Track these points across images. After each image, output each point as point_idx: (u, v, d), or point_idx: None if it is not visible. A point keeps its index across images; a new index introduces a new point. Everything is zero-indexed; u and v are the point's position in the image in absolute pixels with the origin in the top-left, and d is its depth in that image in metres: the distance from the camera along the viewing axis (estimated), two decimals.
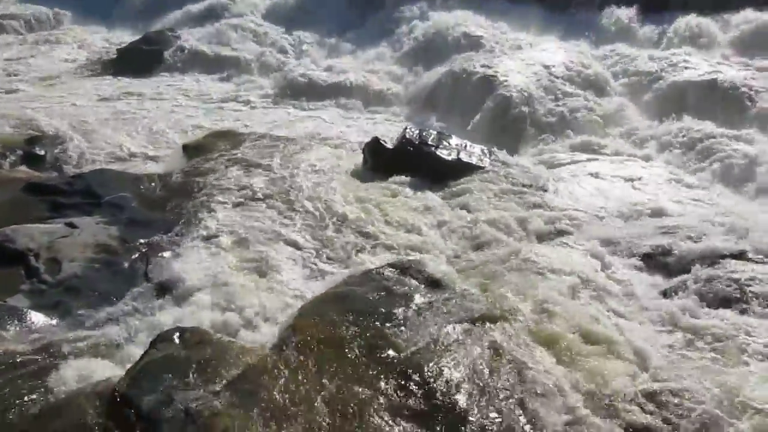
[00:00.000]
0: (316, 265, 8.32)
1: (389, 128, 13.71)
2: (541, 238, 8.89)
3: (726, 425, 5.50)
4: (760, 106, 13.29)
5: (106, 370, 5.95)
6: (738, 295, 7.33)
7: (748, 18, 17.06)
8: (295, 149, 11.47)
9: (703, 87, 14.18)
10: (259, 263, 8.16)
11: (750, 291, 7.35)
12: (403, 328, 6.44)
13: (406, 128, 11.56)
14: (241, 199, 9.60)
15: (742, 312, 7.09)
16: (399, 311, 6.66)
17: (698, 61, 15.50)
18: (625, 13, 19.05)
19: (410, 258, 8.03)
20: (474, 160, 10.76)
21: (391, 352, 6.09)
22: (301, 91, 16.43)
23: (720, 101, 13.63)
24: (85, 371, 5.92)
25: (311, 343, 6.09)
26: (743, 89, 13.79)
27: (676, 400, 5.76)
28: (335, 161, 11.19)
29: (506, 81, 14.49)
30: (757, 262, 7.90)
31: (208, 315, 7.01)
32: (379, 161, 10.86)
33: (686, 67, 15.07)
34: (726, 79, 14.16)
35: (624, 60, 16.15)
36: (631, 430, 5.50)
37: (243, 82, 17.65)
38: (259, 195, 9.71)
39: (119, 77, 17.87)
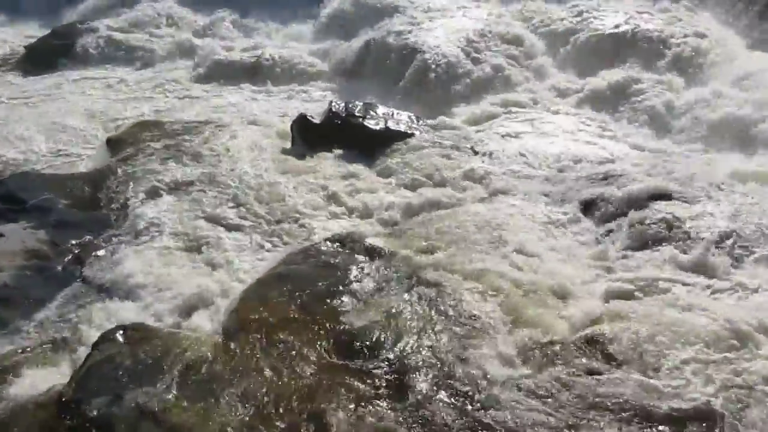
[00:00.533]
0: (255, 246, 8.27)
1: (315, 104, 13.59)
2: (476, 197, 9.01)
3: (669, 365, 5.71)
4: (673, 51, 13.71)
5: (50, 379, 5.83)
6: (668, 235, 7.65)
7: None
8: (222, 133, 11.28)
9: (617, 36, 14.48)
10: (197, 251, 8.07)
11: (678, 230, 7.68)
12: (348, 300, 6.59)
13: (331, 102, 11.53)
14: (172, 189, 9.41)
15: (670, 249, 7.39)
16: (342, 284, 6.82)
17: (610, 10, 15.78)
18: None
19: (348, 230, 8.09)
20: (402, 128, 10.83)
21: (338, 326, 6.19)
22: (222, 74, 16.07)
23: (635, 49, 13.97)
24: (28, 382, 5.79)
25: (257, 327, 6.11)
26: (656, 35, 14.19)
27: (615, 344, 5.97)
28: (263, 141, 11.06)
29: (428, 45, 14.50)
30: (683, 201, 8.25)
31: (150, 309, 6.91)
32: (308, 137, 10.81)
33: (600, 18, 15.33)
34: (639, 27, 14.50)
35: (540, 15, 16.30)
36: (574, 374, 5.67)
37: (161, 69, 17.15)
38: (190, 182, 9.52)
39: (29, 75, 17.16)
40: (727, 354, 5.78)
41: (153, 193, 9.27)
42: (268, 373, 5.59)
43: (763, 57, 12.80)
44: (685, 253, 7.28)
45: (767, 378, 5.53)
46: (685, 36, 14.13)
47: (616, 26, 14.79)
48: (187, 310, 6.91)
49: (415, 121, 11.14)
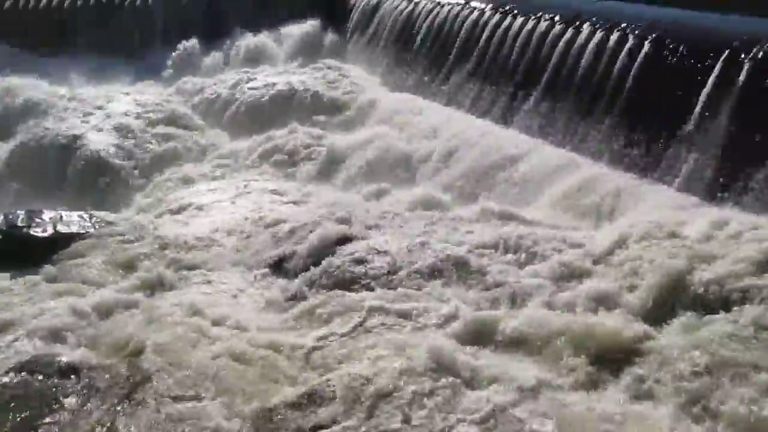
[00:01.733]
0: None
1: None
2: (168, 284, 8.64)
3: (378, 401, 5.94)
4: (329, 102, 14.81)
5: None
6: (354, 274, 8.08)
7: (293, 31, 18.73)
8: None
9: (276, 98, 15.27)
10: None
11: (361, 268, 8.15)
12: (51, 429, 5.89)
13: None
14: None
15: (362, 288, 7.82)
16: (41, 415, 6.14)
17: (264, 74, 16.57)
18: (189, 46, 19.51)
19: (33, 354, 7.26)
20: (74, 229, 10.08)
21: None
22: None
23: (294, 107, 14.84)
24: None
25: None
26: (311, 91, 15.20)
27: (330, 389, 6.10)
28: None
29: (88, 138, 13.86)
30: (361, 239, 8.80)
31: None
32: None
33: (255, 85, 16.00)
34: (294, 87, 15.43)
35: (198, 90, 16.56)
36: None
37: None
38: None
39: None
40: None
41: None
42: None
43: (402, 97, 14.39)
44: (373, 290, 7.73)
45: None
46: (338, 88, 15.33)
47: (273, 89, 15.53)
48: None
49: (88, 220, 10.44)
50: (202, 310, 7.71)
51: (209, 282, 8.52)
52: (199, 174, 12.77)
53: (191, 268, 8.91)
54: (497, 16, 13.85)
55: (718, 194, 9.21)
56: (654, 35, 10.92)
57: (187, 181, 12.55)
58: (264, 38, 19.01)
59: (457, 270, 7.98)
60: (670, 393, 5.89)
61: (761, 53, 9.45)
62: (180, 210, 11.10)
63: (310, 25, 18.83)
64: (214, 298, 8.07)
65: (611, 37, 11.46)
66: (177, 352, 6.86)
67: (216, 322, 7.44)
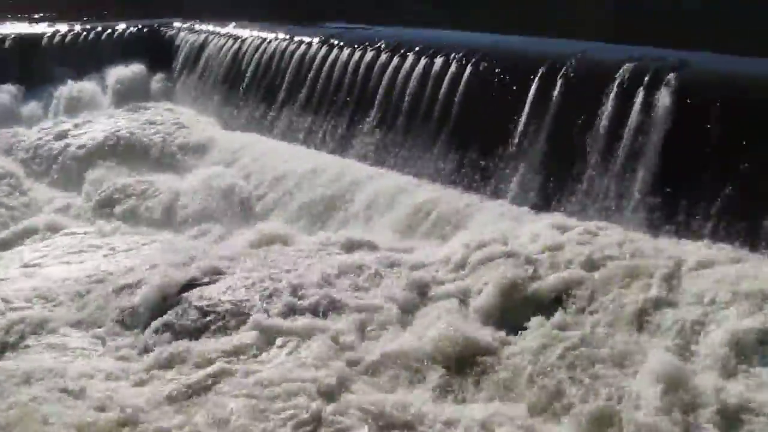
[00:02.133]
0: None
1: None
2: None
3: None
4: (158, 147, 14.43)
5: None
6: (202, 321, 7.83)
7: (117, 74, 18.03)
8: None
9: (103, 144, 14.64)
10: None
11: (209, 313, 7.92)
12: None
13: None
14: None
15: (212, 334, 7.61)
16: None
17: (90, 122, 15.84)
18: (3, 94, 18.25)
19: None
20: None
21: None
22: None
23: (122, 153, 14.34)
24: None
25: None
26: (139, 137, 14.73)
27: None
28: None
29: None
30: (206, 283, 8.54)
31: None
32: None
33: (81, 131, 15.28)
34: (121, 132, 14.87)
35: (17, 143, 15.52)
36: None
37: None
38: None
39: None
40: None
41: None
42: None
43: (235, 136, 14.36)
44: (223, 334, 7.55)
45: None
46: (168, 131, 14.97)
47: (99, 137, 14.93)
48: None
49: None
50: (40, 378, 7.12)
51: (46, 346, 7.89)
52: (24, 234, 11.83)
53: (24, 334, 8.24)
54: (324, 49, 14.05)
55: (545, 203, 9.82)
56: (474, 59, 11.49)
57: (11, 242, 11.61)
58: (87, 83, 18.03)
59: (305, 303, 7.93)
60: (521, 395, 6.33)
61: (570, 71, 10.22)
62: (5, 274, 10.25)
63: (136, 67, 18.14)
64: (54, 364, 7.41)
65: (435, 63, 11.93)
66: None
67: (59, 391, 6.88)
